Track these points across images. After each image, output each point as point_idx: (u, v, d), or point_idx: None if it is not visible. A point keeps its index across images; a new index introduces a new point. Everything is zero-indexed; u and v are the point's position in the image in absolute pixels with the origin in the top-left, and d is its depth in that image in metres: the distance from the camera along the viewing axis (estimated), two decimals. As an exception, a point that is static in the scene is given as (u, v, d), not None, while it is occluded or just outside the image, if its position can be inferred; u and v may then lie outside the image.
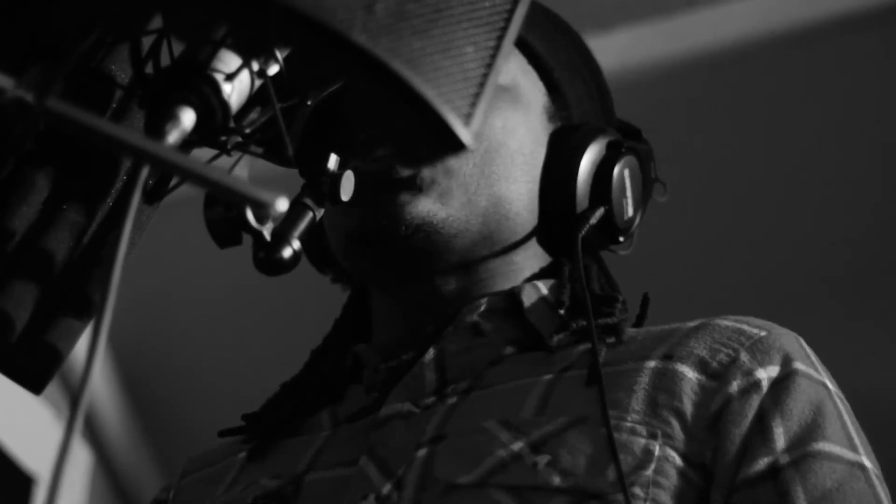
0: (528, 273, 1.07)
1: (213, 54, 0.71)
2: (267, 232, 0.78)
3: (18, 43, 0.73)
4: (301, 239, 0.80)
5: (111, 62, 0.80)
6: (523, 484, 0.89)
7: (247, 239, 0.79)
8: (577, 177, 1.07)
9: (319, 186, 0.82)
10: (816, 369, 0.98)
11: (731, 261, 2.16)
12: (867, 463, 0.94)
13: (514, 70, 1.10)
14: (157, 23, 0.72)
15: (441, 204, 1.02)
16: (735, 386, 0.94)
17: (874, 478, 0.94)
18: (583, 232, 1.05)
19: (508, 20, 0.70)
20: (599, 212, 1.07)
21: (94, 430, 2.45)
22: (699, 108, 2.02)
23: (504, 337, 1.03)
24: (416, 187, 1.01)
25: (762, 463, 0.91)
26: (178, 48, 0.74)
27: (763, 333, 0.98)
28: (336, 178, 0.82)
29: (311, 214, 0.81)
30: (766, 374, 0.95)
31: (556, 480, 0.89)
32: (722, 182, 2.21)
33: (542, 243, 1.09)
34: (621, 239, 1.11)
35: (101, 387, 2.44)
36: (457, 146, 0.66)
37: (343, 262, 1.08)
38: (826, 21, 2.06)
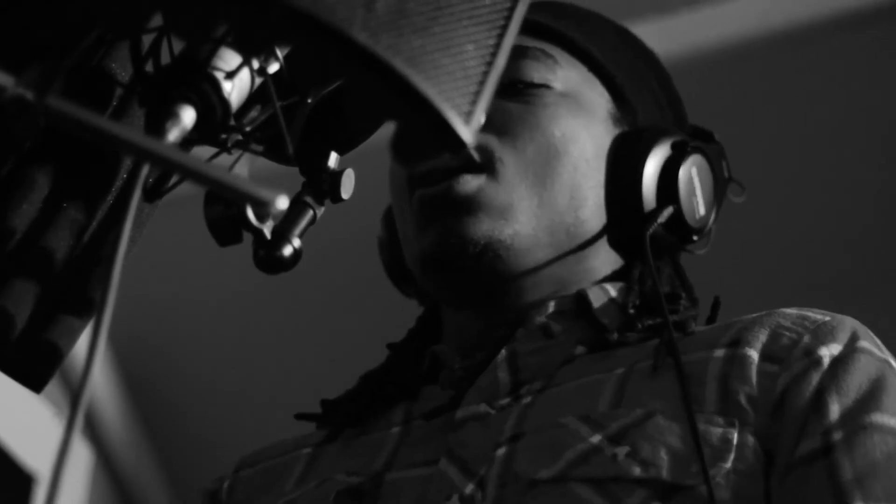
0: (601, 274, 1.08)
1: (213, 52, 0.71)
2: (267, 230, 0.78)
3: (19, 41, 0.73)
4: (301, 237, 0.80)
5: (111, 60, 0.80)
6: (603, 475, 0.89)
7: (247, 237, 0.79)
8: (642, 177, 1.07)
9: (320, 184, 0.82)
10: (881, 349, 0.97)
11: (731, 261, 2.16)
12: None
13: (575, 78, 1.10)
14: (157, 21, 0.72)
15: (505, 220, 1.02)
16: (796, 367, 0.93)
17: None
18: (650, 230, 1.05)
19: (509, 18, 0.70)
20: (668, 211, 1.07)
21: (95, 429, 2.44)
22: (699, 108, 2.02)
23: (574, 337, 1.03)
24: (476, 206, 1.02)
25: (815, 440, 0.90)
26: (178, 46, 0.74)
27: (828, 318, 0.98)
28: (336, 175, 0.82)
29: (311, 212, 0.81)
30: (829, 351, 0.94)
31: (637, 471, 0.88)
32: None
33: (614, 246, 1.09)
34: (695, 238, 1.11)
35: (102, 385, 2.44)
36: (457, 144, 0.66)
37: (422, 284, 1.09)
38: (826, 20, 2.06)
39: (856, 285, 2.22)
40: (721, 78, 2.10)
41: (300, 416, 1.10)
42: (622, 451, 0.90)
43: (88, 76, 0.79)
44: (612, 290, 1.06)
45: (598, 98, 1.11)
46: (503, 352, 1.02)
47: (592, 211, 1.07)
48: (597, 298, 1.05)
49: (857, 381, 0.93)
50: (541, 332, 1.03)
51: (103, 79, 0.80)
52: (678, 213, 1.08)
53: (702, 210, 1.11)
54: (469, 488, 0.92)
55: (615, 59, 1.14)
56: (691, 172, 1.10)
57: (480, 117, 0.67)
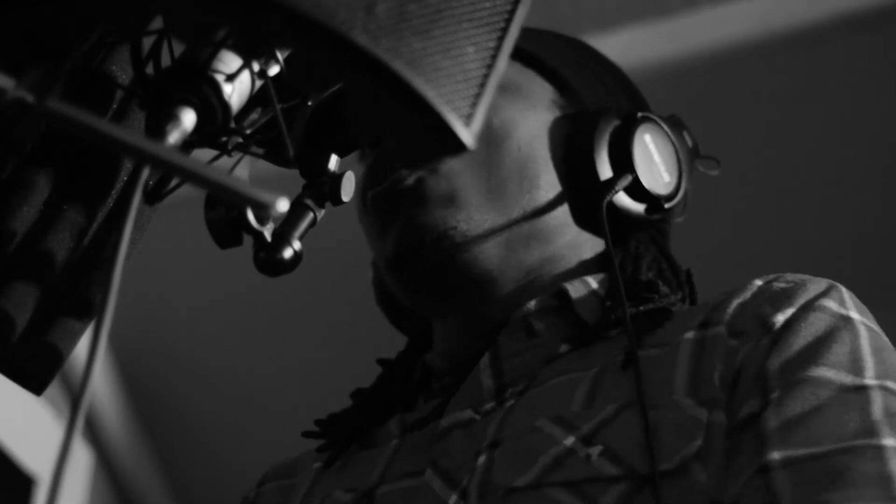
0: (578, 262, 1.07)
1: (213, 55, 0.71)
2: (268, 232, 0.78)
3: (19, 44, 0.73)
4: (301, 239, 0.80)
5: (112, 63, 0.80)
6: (578, 478, 0.88)
7: (247, 239, 0.79)
8: (593, 150, 1.06)
9: (320, 187, 0.82)
10: (843, 304, 0.93)
11: (731, 261, 2.16)
12: (871, 382, 0.86)
13: (511, 73, 1.10)
14: (157, 23, 0.72)
15: (455, 207, 1.02)
16: (753, 338, 0.91)
17: (874, 392, 0.86)
18: (608, 197, 1.04)
19: (509, 21, 0.70)
20: (626, 178, 1.06)
21: (95, 431, 2.45)
22: (699, 108, 2.02)
23: (558, 335, 1.02)
24: (421, 196, 1.02)
25: (754, 404, 0.87)
26: (178, 49, 0.74)
27: (790, 286, 0.95)
28: (336, 178, 0.82)
29: (311, 215, 0.81)
30: (783, 316, 0.92)
31: (610, 469, 0.87)
32: (721, 182, 2.21)
33: (580, 224, 1.07)
34: (666, 206, 1.08)
35: (102, 387, 2.44)
36: (457, 147, 0.66)
37: (398, 295, 1.08)
38: (826, 21, 2.06)
39: (856, 285, 2.21)
40: (721, 79, 2.10)
41: (307, 434, 1.10)
42: (595, 450, 0.88)
43: (89, 79, 0.79)
44: (594, 282, 1.05)
45: (538, 88, 1.11)
46: (486, 355, 1.01)
47: (546, 190, 1.05)
48: (576, 292, 1.03)
49: (801, 338, 0.90)
50: (523, 332, 1.02)
51: (104, 81, 0.80)
52: (637, 180, 1.06)
53: (665, 176, 1.09)
54: (452, 499, 0.92)
55: (559, 56, 1.13)
56: (645, 140, 1.08)
57: (481, 120, 0.67)
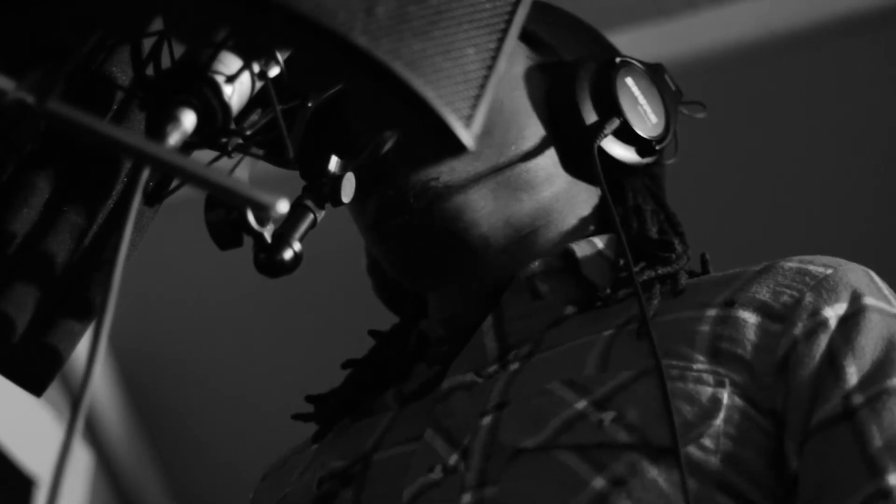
0: (575, 218, 1.04)
1: (213, 56, 0.71)
2: (268, 234, 0.78)
3: (20, 45, 0.73)
4: (301, 240, 0.80)
5: (112, 64, 0.80)
6: (589, 442, 0.86)
7: (248, 241, 0.79)
8: (576, 95, 1.04)
9: (320, 188, 0.82)
10: (890, 302, 0.93)
11: (730, 261, 2.16)
12: None
13: None
14: (157, 25, 0.72)
15: (436, 164, 0.99)
16: (800, 327, 0.90)
17: None
18: (598, 141, 1.02)
19: (509, 22, 0.70)
20: (613, 122, 1.03)
21: (95, 432, 2.44)
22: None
23: (564, 297, 1.00)
24: (402, 159, 0.98)
25: (836, 404, 0.87)
26: (178, 50, 0.74)
27: (829, 272, 0.94)
28: (337, 179, 0.82)
29: (311, 216, 0.81)
30: (834, 312, 0.91)
31: (623, 436, 0.85)
32: (721, 182, 2.21)
33: (571, 171, 1.04)
34: (657, 148, 1.06)
35: (102, 389, 2.44)
36: (457, 148, 0.66)
37: (386, 268, 1.04)
38: (826, 23, 2.06)
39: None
40: (721, 79, 2.10)
41: (297, 417, 1.09)
42: (608, 416, 0.87)
43: (89, 80, 0.79)
44: (600, 243, 1.02)
45: (514, 48, 1.07)
46: (489, 318, 0.99)
47: (533, 141, 1.03)
48: (583, 253, 1.01)
49: (871, 342, 0.89)
50: (528, 294, 1.00)
51: (104, 82, 0.80)
52: (626, 123, 1.04)
53: (653, 118, 1.06)
54: (453, 458, 0.90)
55: (531, 16, 1.12)
56: (628, 83, 1.06)
57: (481, 120, 0.67)
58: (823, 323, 0.90)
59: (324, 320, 2.34)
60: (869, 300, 0.92)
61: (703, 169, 2.09)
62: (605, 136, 1.03)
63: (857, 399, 0.87)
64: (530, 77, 1.07)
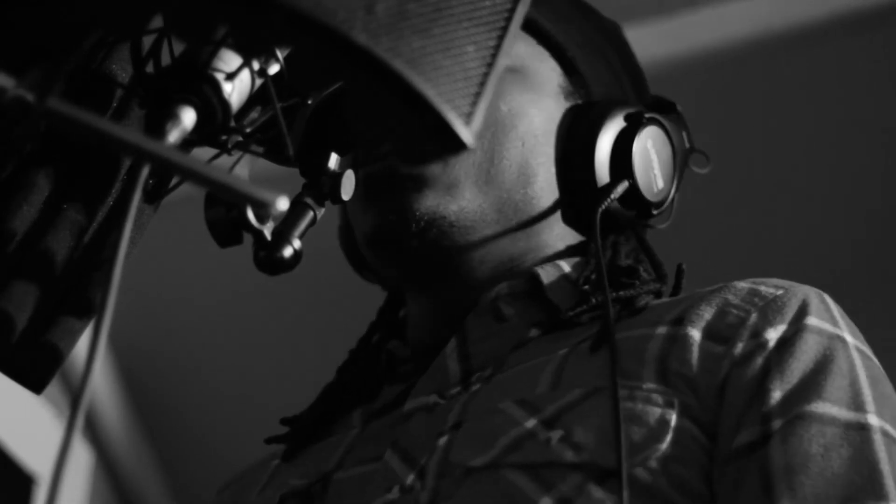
0: (553, 251, 1.05)
1: (213, 54, 0.71)
2: (268, 231, 0.78)
3: (19, 43, 0.73)
4: (301, 238, 0.80)
5: (112, 62, 0.80)
6: (536, 461, 0.86)
7: (247, 238, 0.79)
8: (594, 151, 1.05)
9: (320, 186, 0.82)
10: (836, 323, 0.91)
11: (729, 261, 2.16)
12: (873, 421, 0.85)
13: (522, 52, 1.08)
14: (157, 23, 0.72)
15: (450, 196, 1.00)
16: (740, 348, 0.89)
17: (876, 436, 0.84)
18: (603, 206, 1.02)
19: (509, 19, 0.70)
20: (622, 186, 1.05)
21: (95, 430, 2.44)
22: (699, 108, 2.02)
23: (528, 320, 1.00)
24: (421, 182, 1.00)
25: (755, 430, 0.85)
26: (178, 48, 0.74)
27: (779, 293, 0.93)
28: (336, 177, 0.82)
29: (311, 214, 0.81)
30: (776, 333, 0.90)
31: (569, 455, 0.85)
32: (720, 182, 2.21)
33: (569, 223, 1.06)
34: (654, 212, 1.08)
35: (102, 386, 2.44)
36: (457, 146, 0.66)
37: (372, 266, 1.07)
38: (826, 22, 2.05)
39: (855, 285, 2.22)
40: (721, 79, 2.10)
41: (270, 440, 1.09)
42: (556, 434, 0.86)
43: (89, 78, 0.79)
44: (566, 267, 1.03)
45: (548, 72, 1.09)
46: (453, 340, 1.00)
47: (542, 187, 1.04)
48: (548, 276, 1.02)
49: (801, 364, 0.88)
50: (491, 317, 1.00)
51: (104, 81, 0.80)
52: (634, 187, 1.05)
53: (660, 183, 1.08)
54: (410, 478, 0.90)
55: (567, 30, 1.11)
56: (647, 145, 1.07)
57: (481, 118, 0.67)
58: (763, 345, 0.89)
59: (324, 318, 2.34)
60: (811, 320, 0.91)
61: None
62: (612, 201, 1.04)
63: (775, 424, 0.85)
64: (557, 113, 1.07)
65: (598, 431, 0.86)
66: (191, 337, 2.46)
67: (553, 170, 1.05)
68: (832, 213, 2.22)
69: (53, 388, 2.17)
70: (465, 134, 0.66)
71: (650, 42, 2.02)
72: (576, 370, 0.92)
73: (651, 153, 1.07)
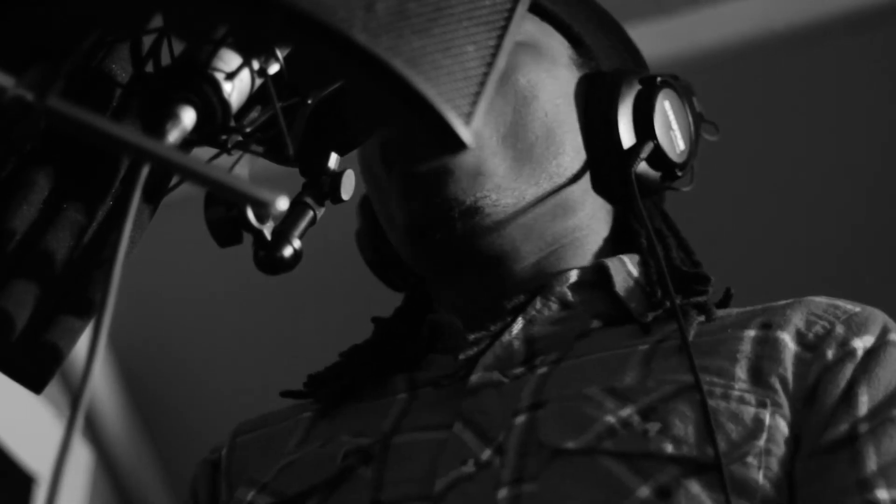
0: (597, 234, 1.07)
1: (213, 53, 0.71)
2: (267, 231, 0.78)
3: (19, 42, 0.73)
4: (301, 238, 0.80)
5: (112, 61, 0.80)
6: (634, 451, 0.87)
7: (247, 238, 0.79)
8: (617, 115, 1.06)
9: (320, 185, 0.82)
10: None
11: (728, 261, 2.16)
12: None
13: (531, 29, 1.09)
14: (157, 22, 0.72)
15: (483, 175, 1.00)
16: (830, 355, 0.93)
17: None
18: (635, 166, 1.04)
19: (509, 19, 0.70)
20: (649, 146, 1.06)
21: (95, 430, 2.44)
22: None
23: (592, 310, 1.02)
24: (450, 169, 1.00)
25: (842, 429, 0.90)
26: (178, 47, 0.74)
27: (858, 309, 0.98)
28: (336, 177, 0.82)
29: (311, 213, 0.81)
30: (863, 343, 0.94)
31: (669, 448, 0.87)
32: (720, 182, 2.21)
33: (600, 191, 1.07)
34: (679, 174, 1.09)
35: (102, 386, 2.44)
36: (457, 146, 0.66)
37: (410, 261, 1.06)
38: (826, 21, 2.06)
39: (855, 285, 2.22)
40: (721, 79, 2.10)
41: (286, 394, 1.09)
42: (654, 426, 0.88)
43: (89, 77, 0.79)
44: (630, 264, 1.05)
45: (557, 45, 1.10)
46: (520, 320, 1.01)
47: (572, 157, 1.05)
48: (616, 271, 1.03)
49: (888, 375, 0.93)
50: (559, 303, 1.02)
51: (103, 80, 0.80)
52: (658, 148, 1.06)
53: (681, 144, 1.09)
54: (486, 454, 0.91)
55: (568, 10, 1.13)
56: (665, 106, 1.08)
57: (481, 118, 0.67)
58: (852, 353, 0.94)
59: (324, 318, 2.34)
60: (893, 336, 0.96)
61: (701, 166, 2.09)
62: (641, 161, 1.05)
63: (863, 427, 0.90)
64: (573, 82, 1.08)
65: (696, 426, 0.88)
66: (190, 336, 2.46)
67: (579, 138, 1.06)
68: (832, 213, 2.22)
69: (53, 388, 2.17)
70: (465, 134, 0.66)
71: (650, 42, 2.02)
72: (663, 366, 0.94)
73: (670, 114, 1.09)
